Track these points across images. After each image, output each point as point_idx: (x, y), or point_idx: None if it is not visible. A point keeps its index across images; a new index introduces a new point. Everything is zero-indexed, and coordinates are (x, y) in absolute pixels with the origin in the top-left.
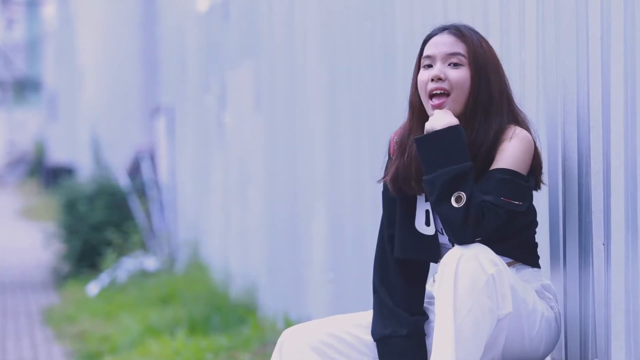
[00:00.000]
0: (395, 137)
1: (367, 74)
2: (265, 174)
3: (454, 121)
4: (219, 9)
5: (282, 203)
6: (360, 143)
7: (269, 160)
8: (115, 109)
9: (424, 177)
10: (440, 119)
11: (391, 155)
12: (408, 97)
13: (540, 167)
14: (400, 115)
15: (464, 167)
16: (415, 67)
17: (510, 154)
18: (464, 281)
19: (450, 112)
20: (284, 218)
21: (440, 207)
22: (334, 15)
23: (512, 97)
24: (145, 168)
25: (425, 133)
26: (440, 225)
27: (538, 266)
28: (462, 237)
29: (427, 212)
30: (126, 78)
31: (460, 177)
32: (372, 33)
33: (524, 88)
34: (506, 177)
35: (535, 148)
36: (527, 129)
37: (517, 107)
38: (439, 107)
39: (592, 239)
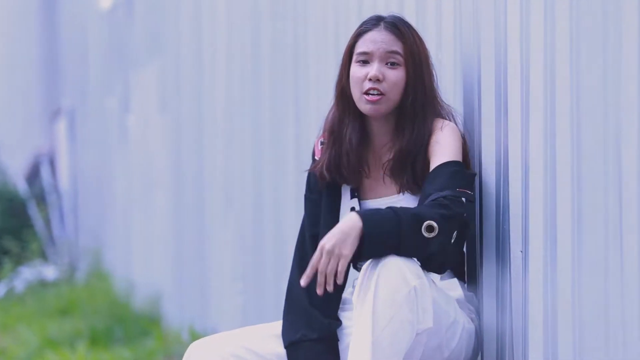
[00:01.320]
0: (326, 124)
1: (277, 75)
2: (171, 180)
3: (358, 224)
4: (123, 5)
5: (188, 210)
6: (272, 146)
7: (175, 165)
8: (13, 111)
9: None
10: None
11: (315, 158)
12: (336, 82)
13: (468, 156)
14: (312, 117)
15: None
16: (345, 56)
17: (447, 145)
18: (385, 291)
19: (352, 218)
20: (191, 225)
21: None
22: (243, 13)
23: (438, 92)
24: (45, 173)
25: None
26: None
27: (462, 275)
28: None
29: (352, 209)
30: (25, 78)
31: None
32: (283, 32)
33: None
34: (455, 169)
35: (463, 137)
36: (454, 121)
37: (443, 100)
38: (374, 102)
39: (509, 246)
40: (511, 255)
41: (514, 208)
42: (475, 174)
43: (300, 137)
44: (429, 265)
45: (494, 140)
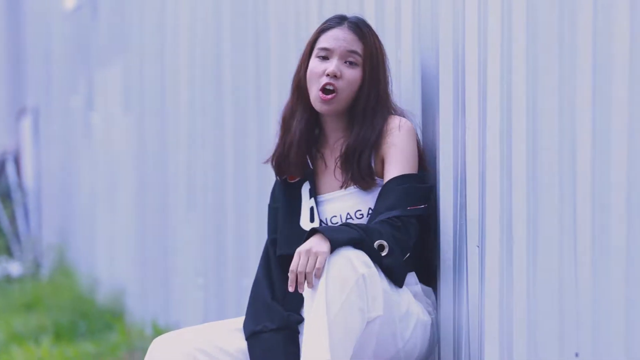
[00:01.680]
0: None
1: (239, 74)
2: (135, 178)
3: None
4: (87, 5)
5: (151, 207)
6: (234, 144)
7: (138, 163)
8: None
9: None
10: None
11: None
12: (294, 75)
13: (423, 155)
14: (273, 116)
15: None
16: (306, 50)
17: (403, 151)
18: (335, 278)
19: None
20: (154, 222)
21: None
22: (206, 11)
23: (391, 93)
24: (10, 170)
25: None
26: (324, 217)
27: (420, 269)
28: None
29: (311, 209)
30: None
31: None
32: (245, 31)
33: (400, 91)
34: (407, 186)
35: (418, 139)
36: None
37: (399, 106)
38: (327, 102)
39: (466, 241)
40: (468, 250)
41: (471, 204)
42: (430, 187)
43: (262, 136)
44: (388, 277)
45: (451, 138)
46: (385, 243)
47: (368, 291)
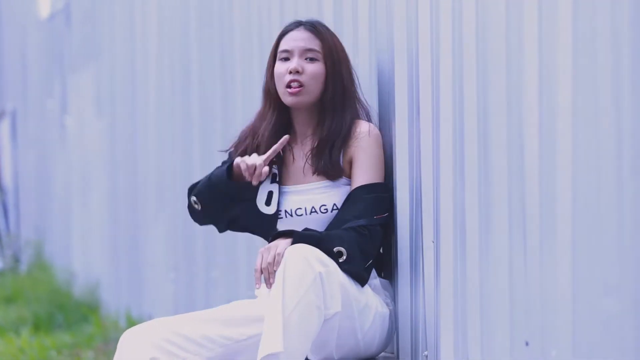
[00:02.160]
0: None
1: (206, 79)
2: (107, 176)
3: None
4: (61, 14)
5: (123, 204)
6: (201, 145)
7: (110, 163)
8: None
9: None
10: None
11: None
12: (263, 83)
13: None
14: (238, 118)
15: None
16: (270, 58)
17: (372, 158)
18: (292, 277)
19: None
20: (125, 219)
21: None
22: (173, 21)
23: (359, 91)
24: None
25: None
26: (288, 207)
27: (379, 263)
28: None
29: (269, 192)
30: None
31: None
32: (211, 38)
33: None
34: (372, 196)
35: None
36: (372, 120)
37: (364, 101)
38: (295, 94)
39: (422, 237)
40: (424, 245)
41: (426, 201)
42: (390, 193)
43: (227, 135)
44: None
45: (407, 138)
46: (343, 250)
47: (325, 289)
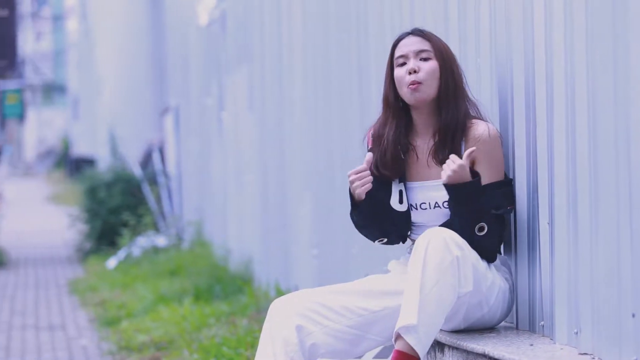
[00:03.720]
0: (371, 130)
1: (344, 78)
2: (258, 164)
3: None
4: (218, 22)
5: (273, 189)
6: (339, 133)
7: (261, 152)
8: (129, 109)
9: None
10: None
11: (369, 147)
12: (382, 94)
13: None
14: (373, 107)
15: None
16: (387, 67)
17: (498, 158)
18: (433, 259)
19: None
20: (275, 201)
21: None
22: (316, 27)
23: (467, 88)
24: (156, 159)
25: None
26: (413, 202)
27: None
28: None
29: (400, 192)
30: (138, 83)
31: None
32: (348, 43)
33: (480, 88)
34: (506, 190)
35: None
36: (483, 116)
37: (472, 96)
38: (415, 90)
39: (538, 219)
40: (540, 227)
41: (541, 188)
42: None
43: (363, 124)
44: (481, 255)
45: (524, 135)
46: (485, 225)
47: (460, 270)
